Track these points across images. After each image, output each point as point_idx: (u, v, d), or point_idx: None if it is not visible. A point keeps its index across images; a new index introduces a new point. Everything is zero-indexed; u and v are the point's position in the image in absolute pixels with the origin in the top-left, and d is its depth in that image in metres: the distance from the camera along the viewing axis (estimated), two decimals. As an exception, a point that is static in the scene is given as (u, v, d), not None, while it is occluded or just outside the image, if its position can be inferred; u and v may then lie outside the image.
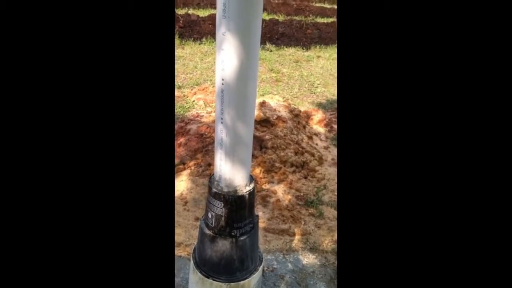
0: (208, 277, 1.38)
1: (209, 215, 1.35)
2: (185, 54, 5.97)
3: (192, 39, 6.77)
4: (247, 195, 1.31)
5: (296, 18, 9.30)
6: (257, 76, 1.21)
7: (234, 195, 1.29)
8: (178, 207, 2.36)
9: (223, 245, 1.35)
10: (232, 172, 1.28)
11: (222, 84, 1.15)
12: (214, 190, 1.31)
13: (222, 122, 1.22)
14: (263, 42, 7.22)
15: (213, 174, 1.36)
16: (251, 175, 1.37)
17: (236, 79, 1.13)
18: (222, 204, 1.30)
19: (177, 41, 6.36)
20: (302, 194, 2.64)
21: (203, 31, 7.14)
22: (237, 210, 1.31)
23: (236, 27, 1.05)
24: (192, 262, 1.46)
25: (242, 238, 1.36)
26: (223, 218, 1.32)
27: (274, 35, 7.72)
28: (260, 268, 1.48)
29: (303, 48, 7.29)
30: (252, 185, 1.34)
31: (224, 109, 1.19)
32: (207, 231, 1.37)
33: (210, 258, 1.37)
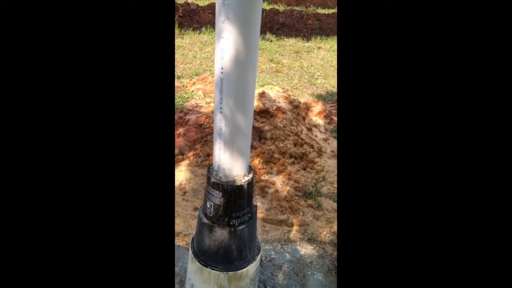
0: (206, 266, 1.39)
1: (208, 205, 1.36)
2: (184, 43, 5.93)
3: (192, 28, 6.71)
4: (245, 185, 1.31)
5: (297, 8, 9.21)
6: (256, 66, 1.20)
7: (232, 185, 1.29)
8: (177, 197, 2.37)
9: (222, 234, 1.35)
10: (231, 162, 1.28)
11: (222, 73, 1.14)
12: (212, 180, 1.31)
13: (221, 112, 1.21)
14: (263, 32, 7.16)
15: (212, 164, 1.36)
16: (250, 166, 1.37)
17: (236, 68, 1.12)
18: (221, 194, 1.30)
19: (176, 31, 6.31)
20: (300, 185, 2.65)
21: (203, 20, 7.07)
22: (236, 200, 1.31)
23: (236, 16, 1.03)
24: (190, 251, 1.46)
25: (240, 228, 1.36)
26: (221, 208, 1.32)
27: (274, 25, 7.66)
28: (258, 258, 1.49)
29: (303, 39, 7.24)
30: (250, 175, 1.34)
31: (223, 99, 1.18)
32: (206, 221, 1.37)
33: (208, 247, 1.38)
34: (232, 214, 1.33)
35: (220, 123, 1.23)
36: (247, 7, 1.03)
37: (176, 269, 1.90)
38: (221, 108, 1.20)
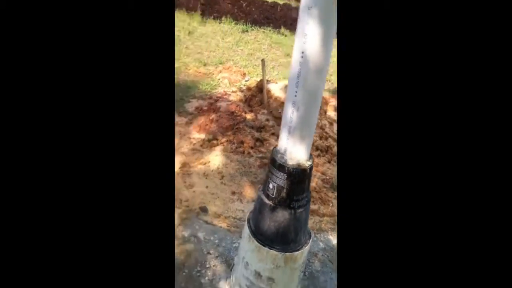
0: (264, 246, 1.49)
1: (271, 186, 1.46)
2: (207, 31, 6.00)
3: (212, 17, 6.76)
4: (308, 169, 1.42)
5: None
6: (329, 65, 1.30)
7: (297, 168, 1.40)
8: (216, 180, 2.46)
9: (282, 216, 1.46)
10: (297, 147, 1.38)
11: (299, 69, 1.24)
12: (278, 162, 1.41)
13: (293, 103, 1.32)
14: (277, 26, 7.21)
15: (278, 147, 1.47)
16: (310, 153, 1.48)
17: (313, 67, 1.22)
18: (286, 176, 1.41)
19: (198, 18, 6.35)
20: (327, 177, 2.74)
21: (222, 10, 7.12)
22: (298, 183, 1.42)
23: (319, 20, 1.14)
24: (247, 230, 1.56)
25: (299, 211, 1.47)
26: (284, 190, 1.43)
27: (288, 21, 7.71)
28: (310, 242, 1.60)
29: (317, 35, 7.28)
30: (311, 161, 1.45)
31: (298, 92, 1.28)
32: (267, 201, 1.47)
33: (268, 228, 1.49)
34: (294, 196, 1.44)
35: (290, 112, 1.34)
36: (329, 13, 1.14)
37: (220, 249, 2.01)
38: (295, 96, 1.31)
